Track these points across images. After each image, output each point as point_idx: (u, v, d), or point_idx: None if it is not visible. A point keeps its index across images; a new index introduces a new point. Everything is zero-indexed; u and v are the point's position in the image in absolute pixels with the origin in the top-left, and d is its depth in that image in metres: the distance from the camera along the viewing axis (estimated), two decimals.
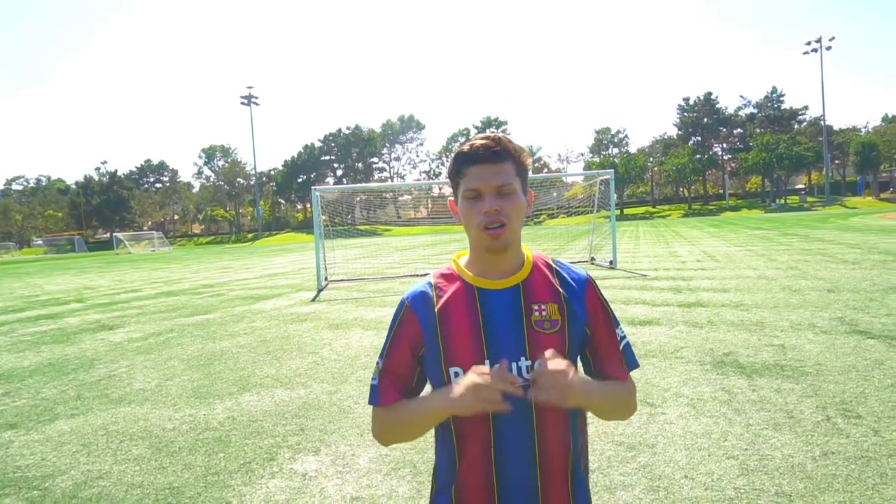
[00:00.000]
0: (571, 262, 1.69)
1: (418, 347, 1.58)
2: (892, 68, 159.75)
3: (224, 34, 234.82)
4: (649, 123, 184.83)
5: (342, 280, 18.13)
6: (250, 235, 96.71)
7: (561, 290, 1.58)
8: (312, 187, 18.93)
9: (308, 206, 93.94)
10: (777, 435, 4.42)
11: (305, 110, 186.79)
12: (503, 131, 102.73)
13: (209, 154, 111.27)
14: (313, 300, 14.15)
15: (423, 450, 4.58)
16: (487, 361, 1.48)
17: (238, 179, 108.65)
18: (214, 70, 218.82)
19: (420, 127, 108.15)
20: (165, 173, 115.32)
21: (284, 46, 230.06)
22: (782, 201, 71.29)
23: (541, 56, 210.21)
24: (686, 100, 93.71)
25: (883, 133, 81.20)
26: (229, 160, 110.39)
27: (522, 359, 1.49)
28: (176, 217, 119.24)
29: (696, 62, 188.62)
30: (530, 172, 1.66)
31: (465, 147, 1.53)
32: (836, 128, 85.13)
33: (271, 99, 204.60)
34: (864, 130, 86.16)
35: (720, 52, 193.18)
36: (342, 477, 4.20)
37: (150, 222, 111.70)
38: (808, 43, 73.79)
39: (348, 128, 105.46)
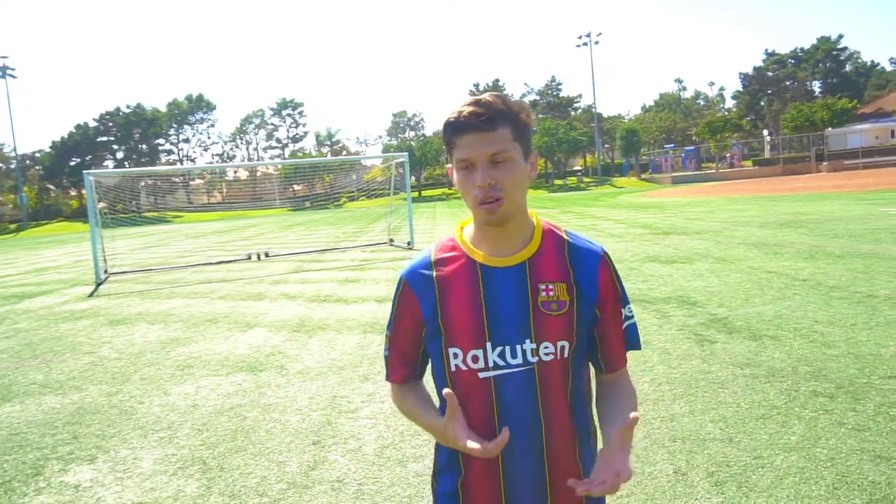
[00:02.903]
0: (586, 236, 1.55)
1: (420, 326, 1.51)
2: (649, 64, 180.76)
3: None
4: (443, 108, 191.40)
5: (125, 272, 16.68)
6: (13, 226, 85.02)
7: (571, 267, 1.46)
8: (85, 171, 17.12)
9: (84, 192, 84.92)
10: None
11: (76, 86, 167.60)
12: (299, 113, 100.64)
13: None
14: (91, 295, 12.88)
15: (213, 444, 4.41)
16: (489, 343, 1.41)
17: None
18: None
19: (211, 107, 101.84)
20: None
21: (46, 10, 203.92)
22: (560, 182, 77.79)
23: (337, 37, 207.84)
24: (476, 85, 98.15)
25: (641, 121, 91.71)
26: None
27: (527, 341, 1.40)
28: None
29: (486, 49, 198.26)
30: (531, 130, 1.48)
31: (453, 115, 1.39)
32: (605, 115, 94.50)
33: (33, 71, 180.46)
34: (627, 118, 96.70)
35: (507, 39, 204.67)
36: (122, 483, 3.91)
37: None
38: (580, 37, 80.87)
39: (128, 106, 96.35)
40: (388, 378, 1.61)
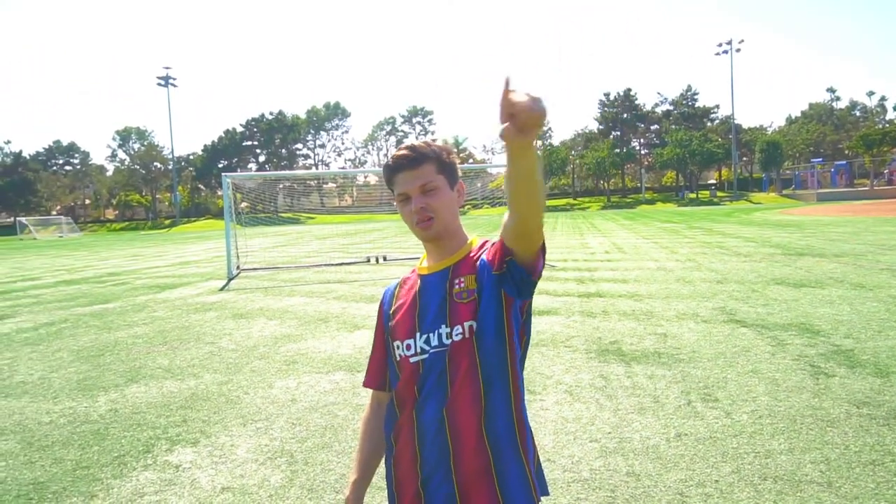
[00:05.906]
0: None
1: (384, 331, 1.84)
2: (795, 72, 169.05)
3: (139, 9, 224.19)
4: (572, 117, 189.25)
5: (255, 269, 17.81)
6: (167, 222, 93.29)
7: (478, 261, 1.70)
8: (223, 174, 18.47)
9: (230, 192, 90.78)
10: (640, 418, 4.70)
11: (227, 94, 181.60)
12: (429, 121, 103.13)
13: (124, 136, 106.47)
14: (222, 289, 13.87)
15: (302, 439, 4.63)
16: (418, 333, 1.69)
17: (155, 163, 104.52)
18: (129, 48, 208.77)
19: (346, 114, 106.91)
20: (76, 155, 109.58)
21: (204, 26, 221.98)
22: (693, 196, 74.50)
23: (467, 47, 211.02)
24: (607, 95, 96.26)
25: (785, 133, 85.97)
26: (145, 143, 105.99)
27: (443, 327, 1.65)
28: (87, 202, 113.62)
29: (617, 59, 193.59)
30: (459, 164, 1.82)
31: (390, 160, 1.72)
32: (744, 126, 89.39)
33: (190, 80, 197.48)
34: (769, 130, 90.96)
35: (640, 48, 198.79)
36: (216, 468, 4.20)
37: (59, 207, 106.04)
38: (720, 44, 77.09)
39: (271, 113, 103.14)
40: (364, 382, 1.91)
